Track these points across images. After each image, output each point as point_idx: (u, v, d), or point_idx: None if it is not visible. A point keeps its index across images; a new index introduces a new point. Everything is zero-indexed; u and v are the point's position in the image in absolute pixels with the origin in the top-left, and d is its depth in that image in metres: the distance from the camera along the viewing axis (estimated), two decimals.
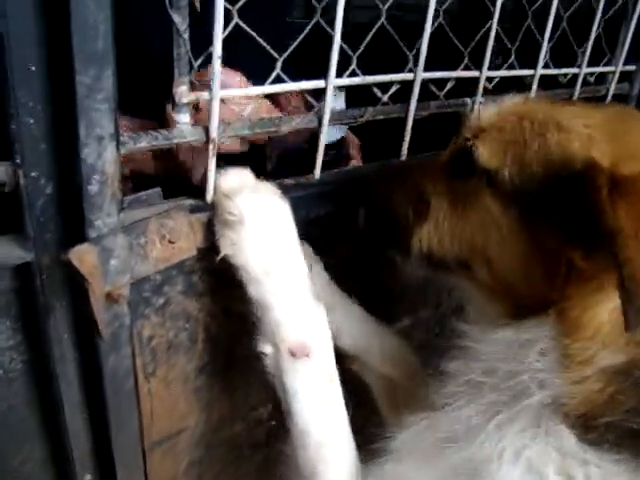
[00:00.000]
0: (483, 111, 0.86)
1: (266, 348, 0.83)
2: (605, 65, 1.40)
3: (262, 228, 0.81)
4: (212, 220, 0.84)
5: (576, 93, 1.33)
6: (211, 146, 0.82)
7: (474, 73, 1.13)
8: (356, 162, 1.41)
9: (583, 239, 0.69)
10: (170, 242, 0.82)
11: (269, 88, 0.86)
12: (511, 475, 0.69)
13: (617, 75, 1.43)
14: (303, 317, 0.82)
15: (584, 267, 0.70)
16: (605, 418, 0.67)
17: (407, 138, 1.07)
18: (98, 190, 0.73)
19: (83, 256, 0.72)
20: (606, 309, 0.70)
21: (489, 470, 0.70)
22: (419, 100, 1.06)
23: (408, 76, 1.02)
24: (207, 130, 0.82)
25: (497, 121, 0.82)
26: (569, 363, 0.70)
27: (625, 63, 1.44)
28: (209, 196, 0.85)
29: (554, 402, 0.71)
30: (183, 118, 0.80)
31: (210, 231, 0.86)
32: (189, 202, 0.85)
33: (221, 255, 0.82)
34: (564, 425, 0.70)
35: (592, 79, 1.38)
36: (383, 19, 0.96)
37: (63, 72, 0.67)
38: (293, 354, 0.81)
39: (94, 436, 0.88)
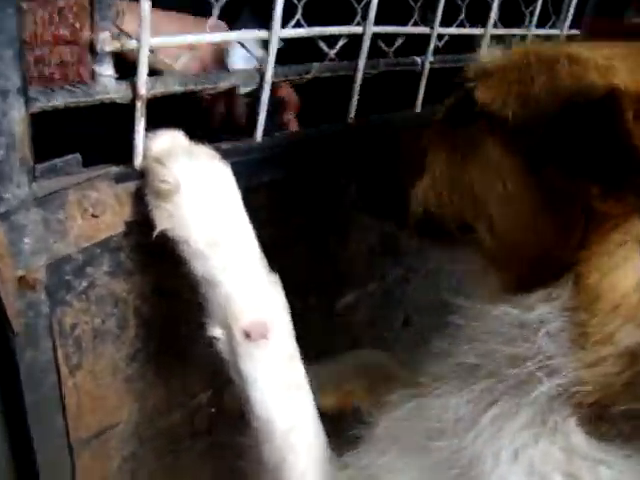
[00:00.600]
0: (487, 54, 0.76)
1: (216, 331, 0.74)
2: (551, 28, 1.35)
3: (202, 195, 0.71)
4: (142, 190, 0.74)
5: None
6: (139, 103, 0.71)
7: (425, 29, 1.05)
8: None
9: (603, 175, 0.58)
10: (93, 216, 0.71)
11: (208, 37, 0.75)
12: (509, 477, 0.61)
13: (563, 38, 1.38)
14: (257, 293, 0.73)
15: (604, 210, 0.59)
16: (621, 406, 0.59)
17: (355, 97, 0.98)
18: (4, 156, 0.61)
19: None
20: (630, 275, 0.60)
21: (483, 469, 0.61)
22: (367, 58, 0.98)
23: (357, 29, 0.93)
24: (134, 85, 0.71)
25: (501, 61, 0.72)
26: (585, 343, 0.60)
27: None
28: (137, 162, 0.74)
29: (565, 392, 0.61)
30: (105, 70, 0.68)
31: (139, 202, 0.75)
32: (114, 170, 0.74)
33: (158, 230, 0.71)
34: (573, 419, 0.61)
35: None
36: None
37: None
38: (249, 336, 0.72)
39: (12, 442, 0.77)
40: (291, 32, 0.84)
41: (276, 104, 1.24)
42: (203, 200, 0.72)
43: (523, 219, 0.67)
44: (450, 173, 0.74)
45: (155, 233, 0.72)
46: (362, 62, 0.96)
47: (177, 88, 0.76)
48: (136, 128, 0.72)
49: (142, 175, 0.74)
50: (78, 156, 0.73)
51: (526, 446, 0.61)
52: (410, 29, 1.03)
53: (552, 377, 0.61)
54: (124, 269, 0.82)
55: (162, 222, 0.71)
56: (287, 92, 1.14)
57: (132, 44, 0.68)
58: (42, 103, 0.65)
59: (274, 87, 1.03)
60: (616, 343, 0.60)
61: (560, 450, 0.60)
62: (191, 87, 0.77)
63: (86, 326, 0.81)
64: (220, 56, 1.00)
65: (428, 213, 0.77)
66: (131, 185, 0.74)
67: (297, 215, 1.00)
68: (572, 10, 1.35)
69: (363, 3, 0.93)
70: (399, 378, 0.85)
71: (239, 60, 1.00)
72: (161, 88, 0.74)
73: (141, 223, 0.76)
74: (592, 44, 0.69)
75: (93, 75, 0.68)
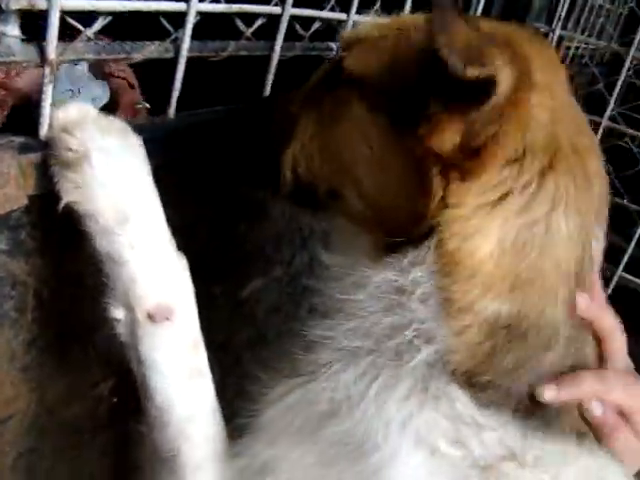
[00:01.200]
0: (360, 24, 0.79)
1: (118, 312, 0.70)
2: None
3: (112, 167, 0.68)
4: (47, 161, 0.69)
5: None
6: (48, 69, 0.67)
7: (342, 15, 1.05)
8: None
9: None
10: None
11: (120, 4, 0.71)
12: (398, 449, 0.60)
13: None
14: (163, 273, 0.70)
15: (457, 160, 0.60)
16: (485, 376, 0.62)
17: (270, 79, 0.97)
18: None
19: None
20: (488, 242, 0.61)
21: (375, 442, 0.61)
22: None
23: (275, 10, 0.92)
24: (43, 49, 0.66)
25: (374, 31, 0.73)
26: (450, 310, 0.62)
27: None
28: (43, 131, 0.69)
29: (440, 359, 0.62)
30: (11, 30, 0.63)
31: (44, 175, 0.70)
32: (18, 140, 0.69)
33: (63, 202, 0.67)
34: (453, 386, 0.62)
35: None
36: None
37: None
38: (152, 317, 0.69)
39: None
40: (209, 7, 0.82)
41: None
42: (112, 172, 0.68)
43: (388, 181, 0.68)
44: (319, 138, 0.74)
45: (60, 205, 0.67)
46: (279, 43, 0.95)
47: (89, 56, 0.71)
48: (43, 95, 0.67)
49: (47, 146, 0.69)
50: None
51: (412, 415, 0.62)
52: (327, 14, 1.03)
53: (429, 343, 0.62)
54: (24, 249, 0.76)
55: (68, 194, 0.67)
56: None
57: (41, 4, 0.63)
58: None
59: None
60: (476, 312, 0.62)
61: (444, 417, 0.61)
62: (104, 56, 0.73)
63: None
64: None
65: (298, 179, 0.76)
66: (35, 157, 0.69)
67: (206, 196, 0.97)
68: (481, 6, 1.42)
69: None
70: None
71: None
72: (72, 55, 0.69)
73: (45, 198, 0.71)
74: None
75: None
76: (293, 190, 0.78)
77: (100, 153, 0.67)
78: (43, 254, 0.79)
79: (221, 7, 0.83)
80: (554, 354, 0.64)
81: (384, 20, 0.76)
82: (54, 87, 0.92)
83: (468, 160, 0.61)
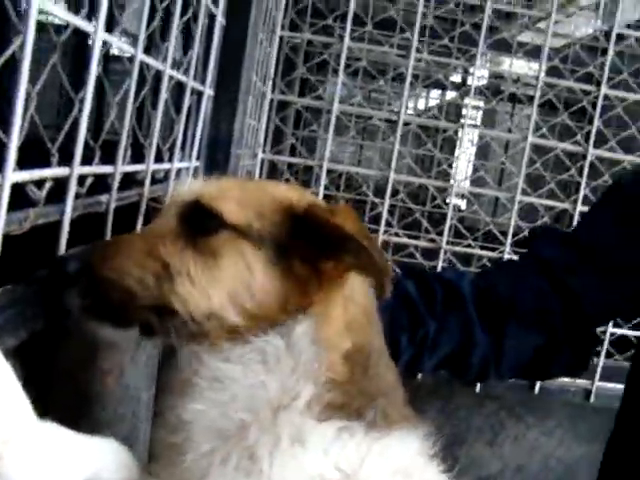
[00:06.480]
0: (208, 182, 0.93)
1: None
2: (182, 161, 1.50)
3: None
4: None
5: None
6: None
7: (109, 168, 1.05)
8: None
9: (327, 253, 0.85)
10: None
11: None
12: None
13: (192, 170, 1.55)
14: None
15: (333, 274, 0.86)
16: (347, 403, 0.82)
17: (64, 241, 0.91)
18: None
19: None
20: (339, 308, 0.86)
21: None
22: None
23: (65, 171, 0.88)
24: None
25: (224, 189, 0.90)
26: (325, 352, 0.83)
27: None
28: None
29: (311, 403, 0.81)
30: None
31: None
32: None
33: None
34: (320, 426, 0.80)
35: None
36: None
37: None
38: None
39: None
40: (19, 176, 0.76)
41: None
42: None
43: (268, 297, 0.83)
44: (206, 275, 0.82)
45: None
46: (69, 204, 0.90)
47: None
48: None
49: None
50: None
51: (295, 456, 0.80)
52: (96, 169, 1.01)
53: (307, 388, 0.82)
54: None
55: None
56: None
57: None
58: None
59: None
60: (338, 350, 0.85)
61: (316, 450, 0.80)
62: None
63: None
64: None
65: (191, 309, 0.82)
66: None
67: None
68: (196, 147, 1.53)
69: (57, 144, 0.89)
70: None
71: None
72: None
73: None
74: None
75: None
76: (187, 318, 0.82)
77: None
78: None
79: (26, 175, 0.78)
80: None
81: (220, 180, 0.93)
82: None
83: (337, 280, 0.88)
